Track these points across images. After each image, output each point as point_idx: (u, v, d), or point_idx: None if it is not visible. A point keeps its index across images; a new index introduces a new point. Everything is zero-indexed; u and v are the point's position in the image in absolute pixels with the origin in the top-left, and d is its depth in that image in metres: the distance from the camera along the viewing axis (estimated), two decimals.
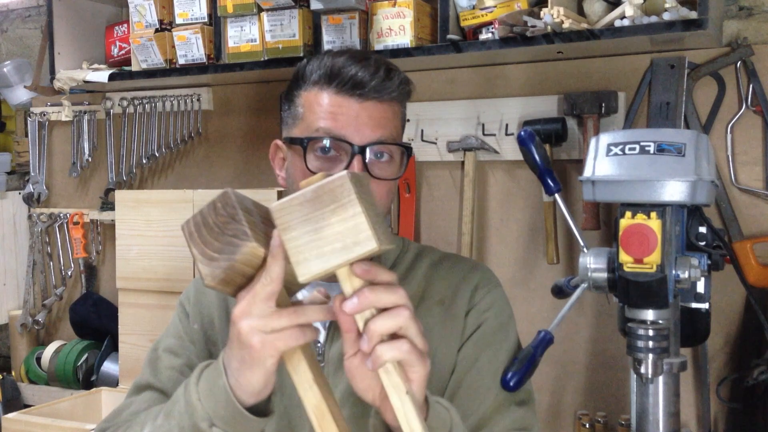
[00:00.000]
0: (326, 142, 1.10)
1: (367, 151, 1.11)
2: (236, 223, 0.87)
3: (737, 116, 1.85)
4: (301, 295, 0.99)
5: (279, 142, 1.21)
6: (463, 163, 2.13)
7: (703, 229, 1.45)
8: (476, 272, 1.26)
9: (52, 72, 2.56)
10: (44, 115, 2.83)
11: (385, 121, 1.12)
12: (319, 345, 1.19)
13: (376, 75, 1.11)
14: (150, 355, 1.26)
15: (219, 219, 0.89)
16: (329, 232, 0.81)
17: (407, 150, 1.17)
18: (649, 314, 1.33)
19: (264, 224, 0.89)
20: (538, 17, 1.78)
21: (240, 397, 0.93)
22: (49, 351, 2.70)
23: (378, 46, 1.98)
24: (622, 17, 1.71)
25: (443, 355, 1.19)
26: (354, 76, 1.10)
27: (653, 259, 1.25)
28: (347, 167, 1.09)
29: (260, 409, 0.95)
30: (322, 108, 1.11)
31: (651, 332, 1.30)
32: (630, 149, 1.32)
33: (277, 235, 0.85)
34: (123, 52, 2.54)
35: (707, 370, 1.84)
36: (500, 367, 1.21)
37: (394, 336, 0.84)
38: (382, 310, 0.84)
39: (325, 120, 1.10)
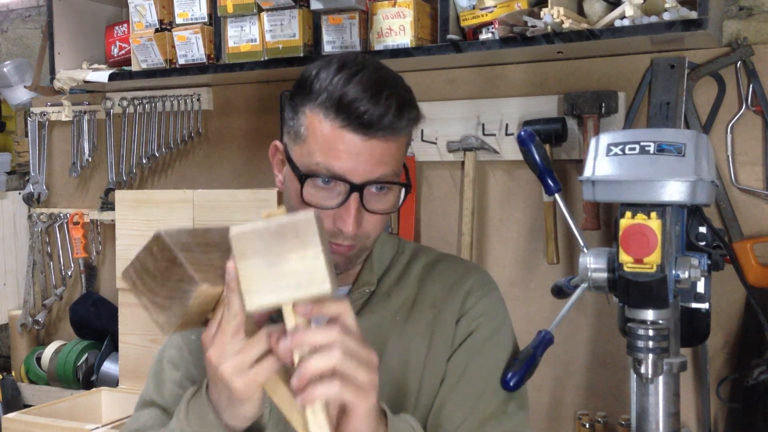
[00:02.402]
0: (323, 180, 1.07)
1: (365, 190, 1.07)
2: (177, 267, 0.85)
3: (737, 116, 1.85)
4: None
5: (278, 143, 1.18)
6: (463, 163, 2.13)
7: (703, 229, 1.45)
8: (470, 276, 1.23)
9: (52, 72, 2.56)
10: (44, 115, 2.83)
11: (387, 157, 1.08)
12: None
13: (386, 116, 1.04)
14: (155, 367, 1.27)
15: (159, 265, 0.86)
16: (286, 267, 0.82)
17: (407, 189, 1.14)
18: (649, 314, 1.33)
19: (206, 253, 0.88)
20: (538, 17, 1.78)
21: (234, 426, 0.95)
22: (49, 351, 2.70)
23: (378, 46, 1.98)
24: (622, 17, 1.71)
25: (433, 362, 1.18)
26: (362, 114, 1.03)
27: (653, 259, 1.25)
28: (343, 203, 1.06)
29: (252, 428, 0.98)
30: (324, 139, 1.06)
31: (651, 332, 1.30)
32: (630, 149, 1.32)
33: (232, 266, 0.85)
34: (123, 52, 2.54)
35: (707, 370, 1.84)
36: (492, 374, 1.19)
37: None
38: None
39: (325, 155, 1.06)
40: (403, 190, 1.14)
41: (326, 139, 1.05)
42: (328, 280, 0.82)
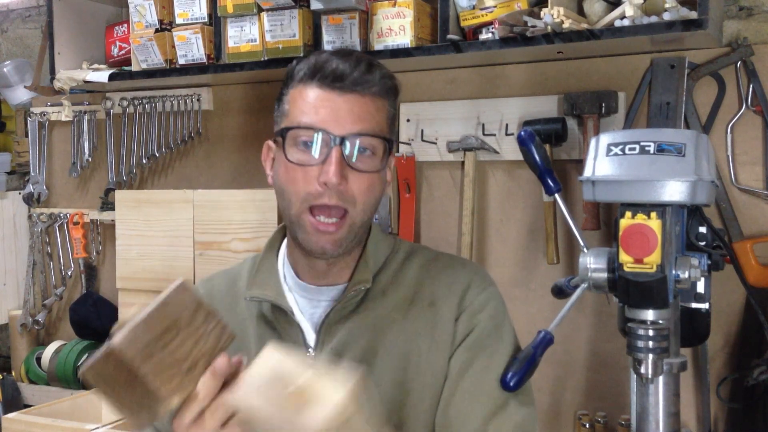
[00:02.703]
0: (305, 132, 1.12)
1: (347, 143, 1.11)
2: (141, 382, 0.81)
3: (737, 116, 1.85)
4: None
5: (270, 142, 1.22)
6: (463, 163, 2.13)
7: (703, 229, 1.45)
8: (467, 273, 1.24)
9: (52, 72, 2.56)
10: (44, 115, 2.83)
11: (366, 114, 1.13)
12: (310, 349, 1.19)
13: (356, 68, 1.12)
14: None
15: (119, 377, 0.82)
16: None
17: (389, 144, 1.17)
18: (649, 314, 1.33)
19: (167, 345, 0.84)
20: (538, 17, 1.78)
21: None
22: (49, 351, 2.70)
23: (378, 46, 1.98)
24: (622, 17, 1.71)
25: (434, 360, 1.18)
26: (335, 69, 1.11)
27: (653, 259, 1.25)
28: (326, 159, 1.10)
29: None
30: (304, 103, 1.13)
31: (651, 332, 1.30)
32: (630, 149, 1.32)
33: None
34: (123, 52, 2.54)
35: (707, 370, 1.84)
36: (497, 369, 1.19)
37: None
38: None
39: (307, 114, 1.12)
40: (388, 153, 1.17)
41: (306, 102, 1.12)
42: None
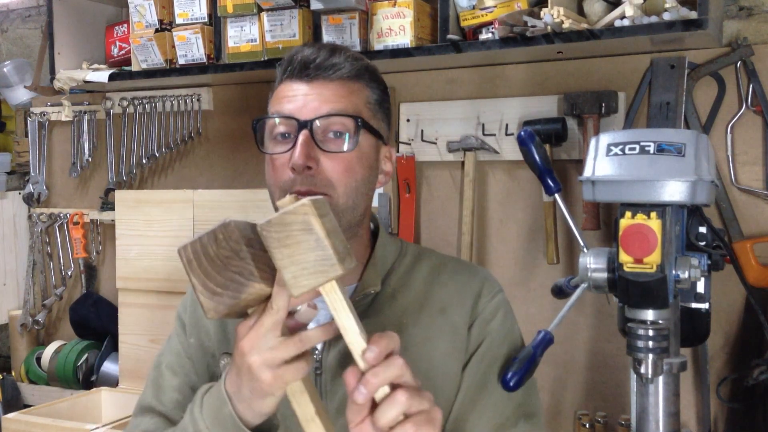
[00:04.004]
0: (273, 120, 1.14)
1: (314, 126, 1.11)
2: (240, 260, 0.86)
3: (737, 116, 1.85)
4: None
5: None
6: (463, 163, 2.14)
7: (703, 229, 1.45)
8: (477, 279, 1.23)
9: (52, 72, 2.56)
10: (44, 115, 2.83)
11: (336, 97, 1.13)
12: (316, 352, 1.17)
13: (320, 53, 1.14)
14: (153, 372, 1.27)
15: (221, 252, 0.87)
16: (301, 258, 0.83)
17: (360, 123, 1.14)
18: (649, 314, 1.33)
19: (265, 252, 0.88)
20: (538, 17, 1.79)
21: (248, 421, 0.95)
22: (49, 351, 2.70)
23: (378, 46, 1.98)
24: (622, 17, 1.71)
25: (447, 367, 1.17)
26: (301, 59, 1.14)
27: (653, 259, 1.25)
28: (294, 145, 1.11)
29: (265, 427, 0.97)
30: (279, 98, 1.16)
31: (651, 332, 1.30)
32: (630, 149, 1.32)
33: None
34: (123, 52, 2.54)
35: (707, 370, 1.84)
36: None
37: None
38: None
39: (279, 105, 1.15)
40: (359, 134, 1.14)
41: (281, 96, 1.15)
42: (337, 265, 0.83)
